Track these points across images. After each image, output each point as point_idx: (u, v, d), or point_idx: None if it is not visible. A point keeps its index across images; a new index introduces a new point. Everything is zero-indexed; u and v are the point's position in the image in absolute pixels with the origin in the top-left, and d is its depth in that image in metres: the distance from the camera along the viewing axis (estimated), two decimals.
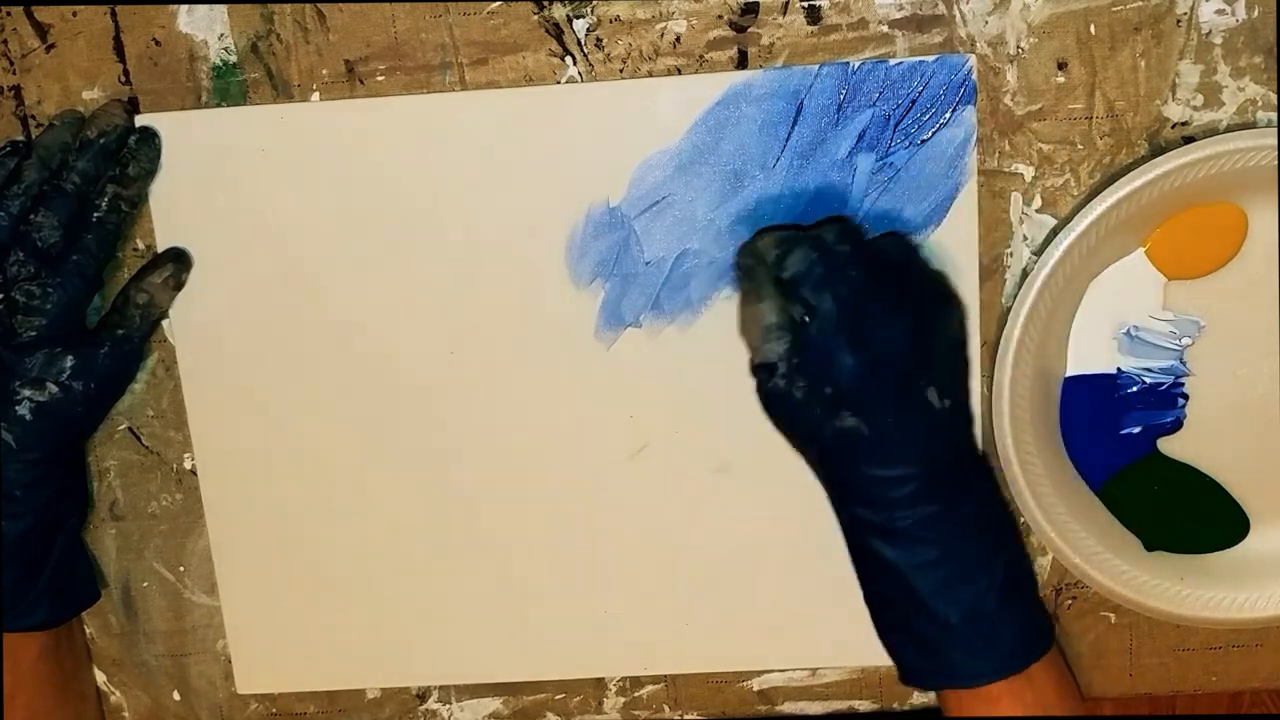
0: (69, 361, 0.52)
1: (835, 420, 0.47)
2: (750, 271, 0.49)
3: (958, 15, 0.51)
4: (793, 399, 0.47)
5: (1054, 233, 0.53)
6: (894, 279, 0.48)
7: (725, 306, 0.54)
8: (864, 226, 0.51)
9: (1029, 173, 0.53)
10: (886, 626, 0.50)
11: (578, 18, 0.52)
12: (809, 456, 0.50)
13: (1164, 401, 0.55)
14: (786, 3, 0.52)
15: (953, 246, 0.53)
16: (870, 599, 0.50)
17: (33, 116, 0.54)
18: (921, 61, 0.51)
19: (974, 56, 0.51)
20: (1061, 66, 0.52)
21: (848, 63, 0.52)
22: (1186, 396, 0.55)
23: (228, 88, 0.54)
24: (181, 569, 0.60)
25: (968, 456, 0.50)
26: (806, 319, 0.47)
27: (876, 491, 0.47)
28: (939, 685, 0.50)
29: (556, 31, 0.52)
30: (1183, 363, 0.54)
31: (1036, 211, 0.53)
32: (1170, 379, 0.55)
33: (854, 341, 0.46)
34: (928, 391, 0.47)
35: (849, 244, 0.48)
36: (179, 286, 0.55)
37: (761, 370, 0.48)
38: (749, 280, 0.49)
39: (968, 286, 0.53)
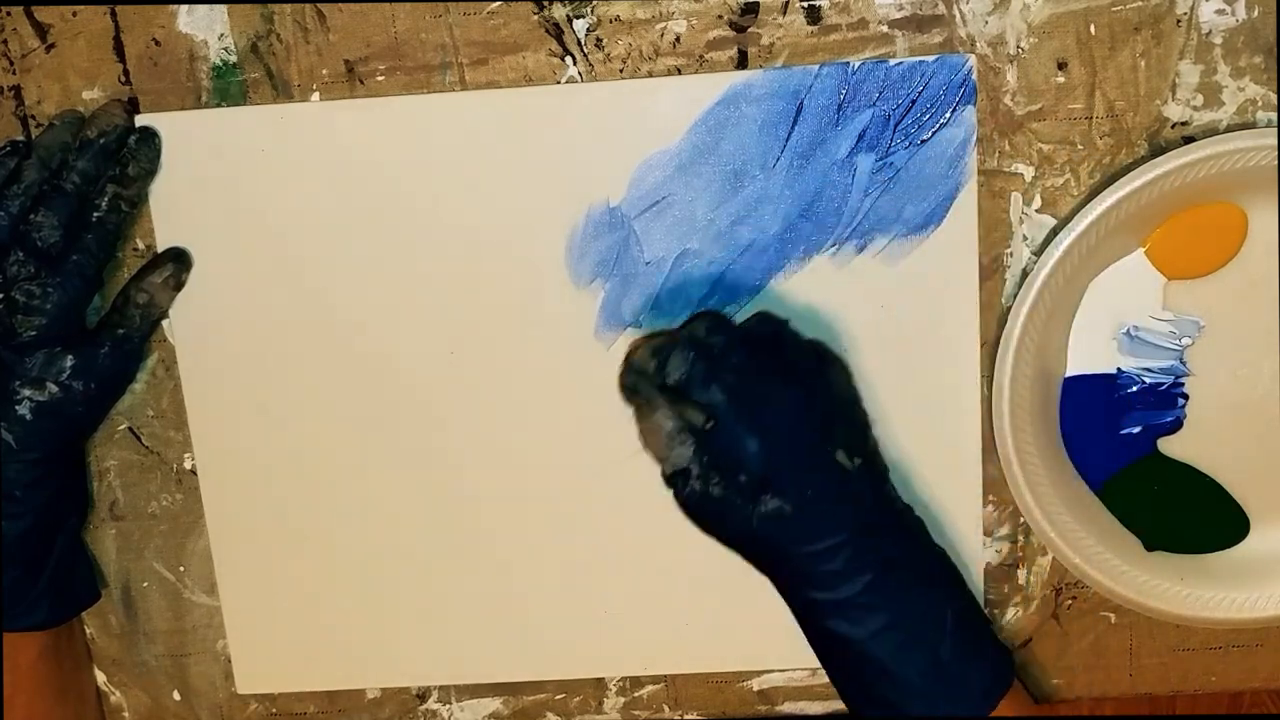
0: (69, 361, 0.52)
1: (758, 506, 0.47)
2: (635, 387, 0.49)
3: (958, 15, 0.51)
4: (712, 497, 0.47)
5: (1054, 233, 0.53)
6: (772, 356, 0.48)
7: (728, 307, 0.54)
8: (728, 314, 0.51)
9: (1029, 173, 0.53)
10: (855, 702, 0.50)
11: (578, 18, 0.52)
12: (744, 552, 0.50)
13: (1164, 401, 0.55)
14: (786, 3, 0.52)
15: (953, 246, 0.53)
16: (834, 679, 0.51)
17: (33, 116, 0.54)
18: (921, 61, 0.51)
19: (974, 56, 0.51)
20: (1061, 66, 0.52)
21: (848, 63, 0.52)
22: (1186, 396, 0.55)
23: (228, 88, 0.54)
24: (181, 569, 0.60)
25: (891, 510, 0.50)
26: (703, 418, 0.47)
27: (814, 567, 0.47)
28: None
29: (556, 31, 0.52)
30: (1183, 362, 0.54)
31: (1036, 211, 0.53)
32: (1170, 379, 0.55)
33: (754, 426, 0.47)
34: (836, 455, 0.48)
35: (721, 334, 0.48)
36: (179, 286, 0.55)
37: (676, 479, 0.48)
38: (636, 395, 0.49)
39: (968, 286, 0.53)
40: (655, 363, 0.48)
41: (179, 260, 0.55)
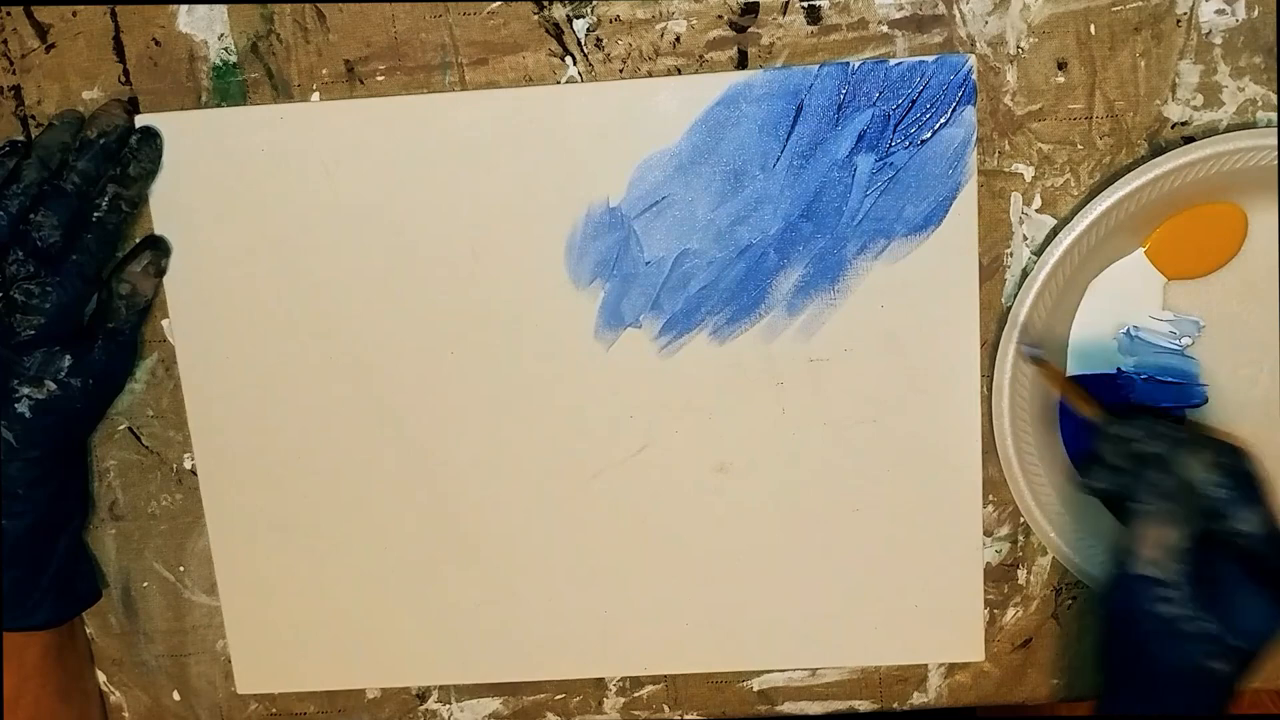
0: (67, 360, 0.52)
1: (1206, 658, 0.46)
2: (1171, 494, 0.47)
3: (958, 15, 0.51)
4: (1171, 623, 0.46)
5: (1054, 233, 0.53)
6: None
7: (727, 311, 0.54)
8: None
9: (1029, 173, 0.53)
10: None
11: (578, 18, 0.52)
12: (1158, 664, 0.48)
13: (1185, 396, 0.55)
14: (786, 3, 0.52)
15: (953, 246, 0.53)
16: None
17: (33, 116, 0.54)
18: (921, 61, 0.51)
19: (974, 56, 0.51)
20: (1061, 66, 0.52)
21: (848, 63, 0.52)
22: (1205, 397, 0.55)
23: (228, 88, 0.54)
24: (181, 569, 0.60)
25: None
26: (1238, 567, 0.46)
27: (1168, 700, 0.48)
28: None
29: (556, 31, 0.52)
30: (1189, 356, 0.54)
31: (1036, 211, 0.53)
32: (1184, 380, 0.55)
33: (1273, 599, 0.46)
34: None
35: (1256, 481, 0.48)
36: (160, 273, 0.55)
37: (1139, 581, 0.47)
38: (1169, 502, 0.47)
39: (968, 286, 0.53)
40: (1225, 494, 0.46)
41: (157, 247, 0.55)
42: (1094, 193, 0.52)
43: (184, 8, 0.53)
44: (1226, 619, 0.46)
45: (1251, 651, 0.47)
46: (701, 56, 0.52)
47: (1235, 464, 0.48)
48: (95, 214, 0.52)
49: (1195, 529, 0.47)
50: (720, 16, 0.52)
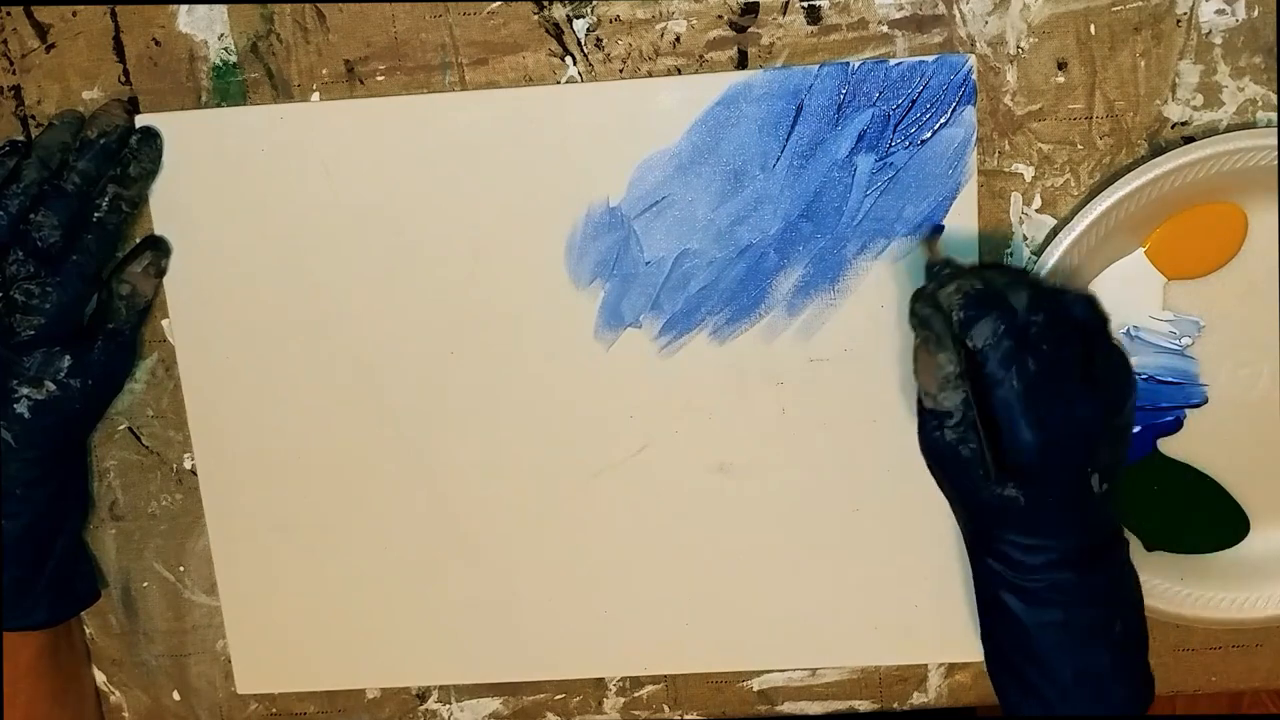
0: (67, 361, 0.52)
1: (996, 486, 0.46)
2: (928, 322, 0.48)
3: (958, 15, 0.51)
4: (959, 455, 0.47)
5: (1054, 233, 0.53)
6: (1083, 356, 0.47)
7: (725, 312, 0.54)
8: (1052, 284, 0.49)
9: (1029, 173, 0.53)
10: (999, 668, 0.51)
11: (578, 18, 0.52)
12: (950, 500, 0.50)
13: (1187, 396, 0.55)
14: (786, 3, 0.52)
15: (953, 247, 0.53)
16: (988, 642, 0.51)
17: (33, 116, 0.54)
18: (921, 61, 0.51)
19: (974, 56, 0.51)
20: (1061, 66, 0.52)
21: (848, 63, 0.52)
22: (1205, 397, 0.55)
23: (228, 88, 0.54)
24: (181, 569, 0.60)
25: (1110, 533, 0.50)
26: (988, 387, 0.46)
27: (1014, 555, 0.47)
28: None
29: (556, 31, 0.52)
30: (1189, 356, 0.54)
31: (1036, 211, 0.53)
32: (1184, 380, 0.55)
33: (1034, 420, 0.46)
34: (1092, 477, 0.47)
35: (1042, 312, 0.47)
36: (160, 273, 0.55)
37: (931, 416, 0.48)
38: (926, 329, 0.48)
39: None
40: (961, 316, 0.47)
41: (157, 247, 0.55)
42: (1094, 193, 0.52)
43: (184, 8, 0.53)
44: (995, 439, 0.46)
45: (1027, 468, 0.46)
46: (701, 56, 0.52)
47: (988, 290, 0.47)
48: (95, 214, 0.52)
49: (962, 355, 0.47)
50: (720, 16, 0.52)
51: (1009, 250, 0.54)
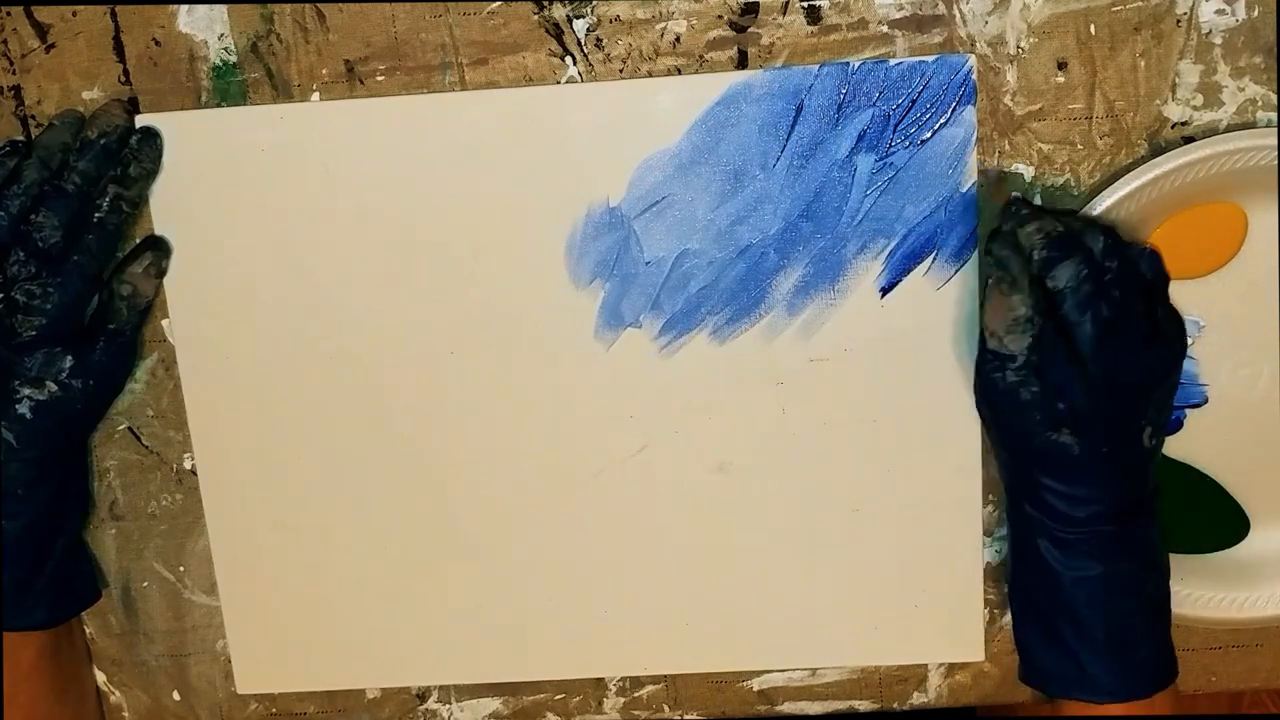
0: (68, 361, 0.52)
1: (1052, 433, 0.47)
2: (1006, 261, 0.48)
3: (958, 15, 0.51)
4: (1018, 398, 0.47)
5: None
6: (1149, 309, 0.47)
7: (725, 312, 0.54)
8: (1122, 235, 0.49)
9: (1029, 173, 0.53)
10: (1026, 621, 0.51)
11: (578, 18, 0.52)
12: (999, 444, 0.50)
13: (1187, 396, 0.55)
14: (786, 3, 0.52)
15: (953, 247, 0.53)
16: (1018, 591, 0.51)
17: (33, 116, 0.54)
18: (921, 61, 0.51)
19: (974, 56, 0.51)
20: (1061, 66, 0.52)
21: (848, 63, 0.52)
22: (1205, 397, 0.55)
23: (228, 88, 0.54)
24: (181, 569, 0.60)
25: (1148, 490, 0.50)
26: (1064, 329, 0.46)
27: (1060, 505, 0.48)
28: (1066, 693, 0.50)
29: (556, 31, 0.52)
30: (1189, 356, 0.54)
31: None
32: (1184, 380, 0.55)
33: (1101, 369, 0.46)
34: (1144, 431, 0.47)
35: (1116, 259, 0.47)
36: (161, 274, 0.55)
37: (993, 358, 0.48)
38: (1003, 269, 0.48)
39: (968, 286, 0.53)
40: (1043, 256, 0.46)
41: (158, 247, 0.55)
42: (1094, 193, 0.52)
43: (184, 8, 0.53)
44: (1058, 385, 0.46)
45: (1088, 414, 0.46)
46: (701, 56, 0.52)
47: (1069, 233, 0.47)
48: (96, 214, 0.52)
49: (1038, 298, 0.47)
50: (720, 16, 0.52)
51: None
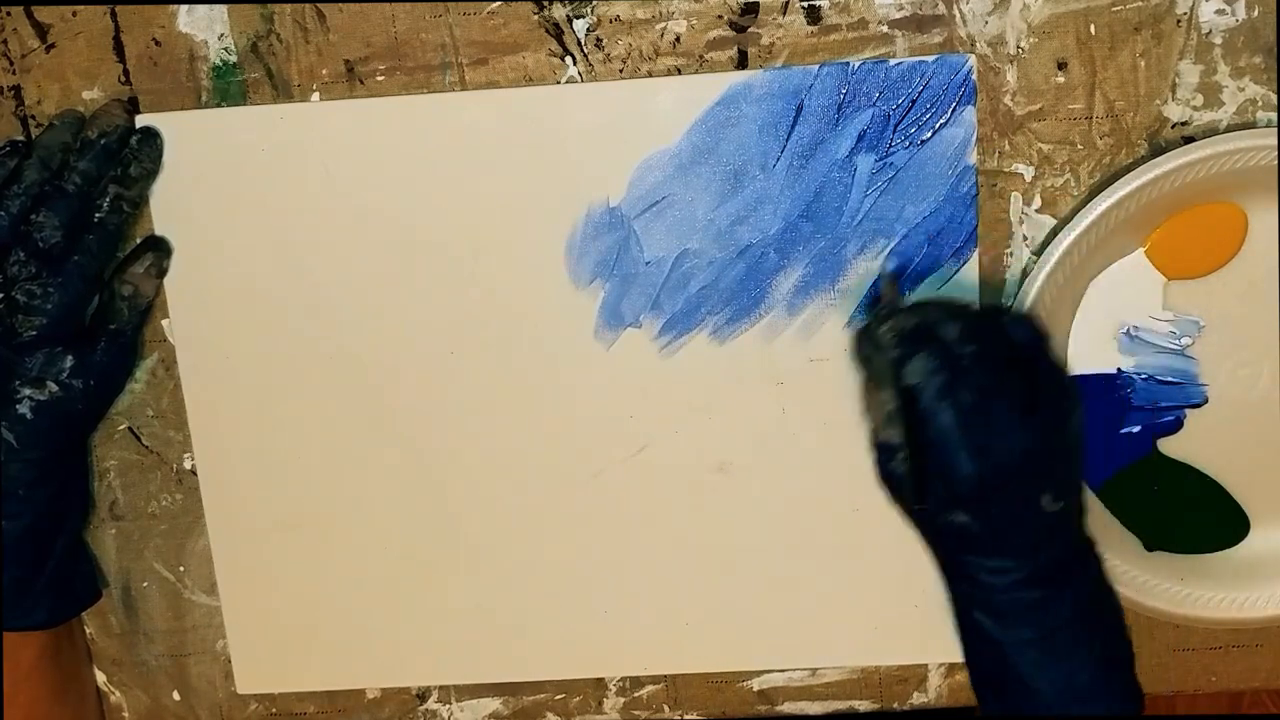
0: (69, 361, 0.52)
1: (947, 514, 0.47)
2: (869, 360, 0.48)
3: (958, 15, 0.51)
4: (907, 484, 0.47)
5: (1054, 233, 0.53)
6: (1020, 380, 0.47)
7: (724, 312, 0.54)
8: (991, 308, 0.49)
9: (1029, 173, 0.53)
10: (980, 681, 0.50)
11: (578, 18, 0.52)
12: (915, 528, 0.50)
13: (1186, 396, 0.55)
14: (786, 3, 0.52)
15: (953, 246, 0.53)
16: (968, 658, 0.50)
17: (33, 116, 0.54)
18: (921, 61, 0.51)
19: (974, 56, 0.51)
20: (1061, 66, 0.52)
21: (848, 63, 0.52)
22: (1205, 397, 0.55)
23: (228, 88, 0.54)
24: (181, 569, 0.60)
25: (1075, 549, 0.49)
26: (924, 422, 0.46)
27: (981, 577, 0.47)
28: None
29: (556, 31, 0.52)
30: (1189, 356, 0.54)
31: (1036, 211, 0.53)
32: (1183, 380, 0.55)
33: (973, 449, 0.45)
34: (1043, 498, 0.47)
35: (974, 344, 0.46)
36: (162, 274, 0.55)
37: (882, 449, 0.48)
38: (868, 368, 0.48)
39: (968, 286, 0.53)
40: (895, 355, 0.47)
41: (158, 248, 0.55)
42: (1094, 193, 0.52)
43: (184, 8, 0.53)
44: (938, 471, 0.46)
45: (972, 495, 0.46)
46: (701, 56, 0.52)
47: (920, 326, 0.47)
48: (96, 214, 0.52)
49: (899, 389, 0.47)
50: (720, 16, 0.52)
51: (1009, 250, 0.54)
